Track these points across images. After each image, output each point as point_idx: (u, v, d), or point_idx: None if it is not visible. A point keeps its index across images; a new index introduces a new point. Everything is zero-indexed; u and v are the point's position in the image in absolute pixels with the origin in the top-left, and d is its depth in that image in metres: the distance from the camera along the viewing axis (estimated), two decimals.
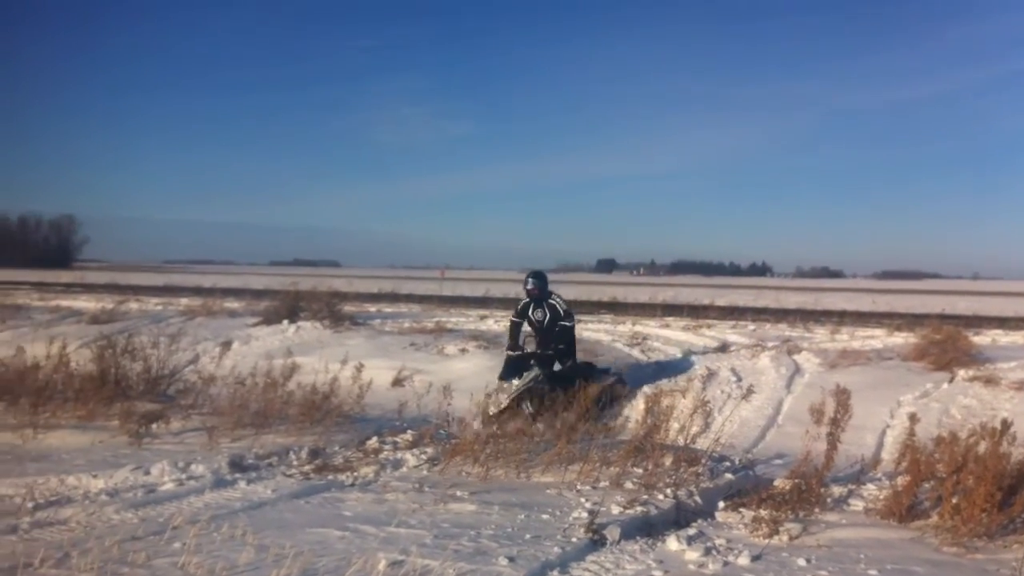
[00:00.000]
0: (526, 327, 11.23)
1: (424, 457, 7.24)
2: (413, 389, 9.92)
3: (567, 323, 11.10)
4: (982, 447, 5.59)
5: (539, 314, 11.17)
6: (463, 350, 14.10)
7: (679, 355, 13.92)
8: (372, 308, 20.26)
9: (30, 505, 5.64)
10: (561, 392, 9.13)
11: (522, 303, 11.35)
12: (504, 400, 10.06)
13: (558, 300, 11.27)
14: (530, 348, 11.14)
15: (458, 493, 6.18)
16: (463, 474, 6.80)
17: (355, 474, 6.80)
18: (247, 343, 14.97)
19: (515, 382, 10.39)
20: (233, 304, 19.59)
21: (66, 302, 21.52)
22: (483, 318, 18.16)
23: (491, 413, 9.33)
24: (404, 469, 7.02)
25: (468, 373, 12.35)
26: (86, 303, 20.05)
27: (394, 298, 25.33)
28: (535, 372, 10.47)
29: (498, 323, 17.29)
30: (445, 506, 5.88)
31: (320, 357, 12.03)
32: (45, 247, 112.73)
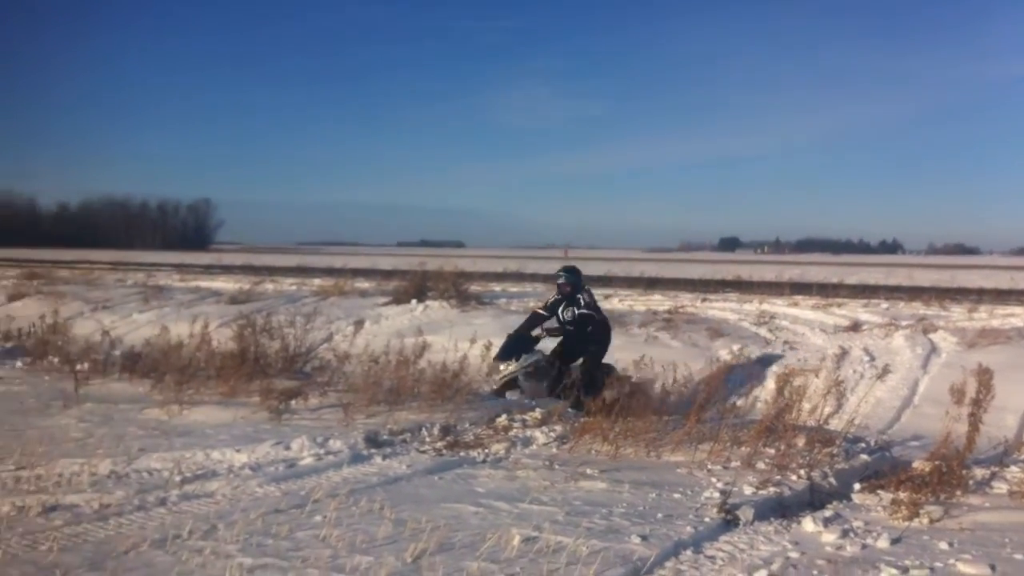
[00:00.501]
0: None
1: (553, 435, 7.31)
2: None
3: (587, 312, 10.25)
4: None
5: (569, 314, 10.40)
6: None
7: (809, 334, 13.66)
8: (497, 288, 20.46)
9: (178, 478, 5.88)
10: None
11: (552, 299, 10.72)
12: (496, 382, 9.75)
13: (584, 296, 10.42)
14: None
15: (588, 471, 6.22)
16: (592, 452, 6.84)
17: (486, 451, 6.90)
18: (377, 322, 15.30)
19: (510, 366, 9.82)
20: (363, 284, 20.04)
21: (205, 283, 22.39)
22: (607, 297, 18.14)
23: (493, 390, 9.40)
24: (534, 447, 7.10)
25: None
26: (224, 283, 20.82)
27: (519, 278, 25.50)
28: (536, 356, 9.94)
29: (622, 302, 17.30)
30: (576, 484, 5.93)
31: (448, 336, 12.24)
32: (183, 230, 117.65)
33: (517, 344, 10.04)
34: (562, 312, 10.42)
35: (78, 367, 9.37)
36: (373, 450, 6.82)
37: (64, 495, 5.42)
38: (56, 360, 10.39)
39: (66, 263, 26.82)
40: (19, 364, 10.61)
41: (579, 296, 10.37)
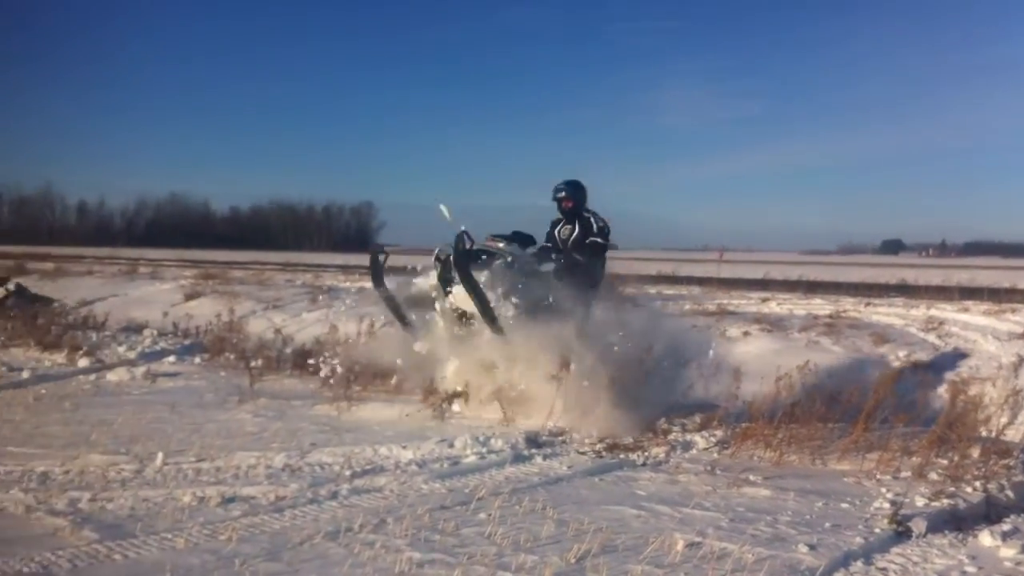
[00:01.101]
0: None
1: (714, 440, 7.24)
2: (698, 371, 9.87)
3: (599, 239, 8.75)
4: None
5: (566, 231, 8.88)
6: (746, 333, 13.92)
7: (981, 341, 13.08)
8: (651, 290, 20.31)
9: (348, 473, 6.09)
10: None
11: (552, 222, 9.08)
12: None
13: (594, 216, 8.83)
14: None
15: (751, 477, 6.14)
16: (754, 458, 6.75)
17: (646, 454, 6.90)
18: None
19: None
20: None
21: (368, 283, 22.99)
22: (764, 300, 17.82)
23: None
24: (694, 451, 7.06)
25: (752, 356, 12.18)
26: (388, 284, 21.40)
27: (673, 280, 25.26)
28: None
29: (780, 306, 16.94)
30: (739, 490, 5.86)
31: None
32: (347, 232, 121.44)
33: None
34: (559, 231, 8.95)
35: (252, 364, 9.83)
36: (534, 450, 6.91)
37: (242, 487, 5.70)
38: (232, 357, 10.93)
39: (239, 264, 28.07)
40: (197, 360, 11.20)
41: (587, 216, 8.82)
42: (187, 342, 12.75)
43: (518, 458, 6.66)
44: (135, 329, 14.27)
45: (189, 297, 20.10)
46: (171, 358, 11.16)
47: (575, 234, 8.76)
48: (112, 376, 9.80)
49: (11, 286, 16.48)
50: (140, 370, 10.02)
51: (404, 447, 6.75)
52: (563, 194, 8.75)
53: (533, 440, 7.17)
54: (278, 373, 9.82)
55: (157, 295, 21.17)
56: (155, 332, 13.55)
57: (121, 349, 11.69)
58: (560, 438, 7.35)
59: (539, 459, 6.68)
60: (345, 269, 32.63)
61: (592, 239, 8.73)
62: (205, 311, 16.30)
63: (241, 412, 7.96)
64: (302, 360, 10.07)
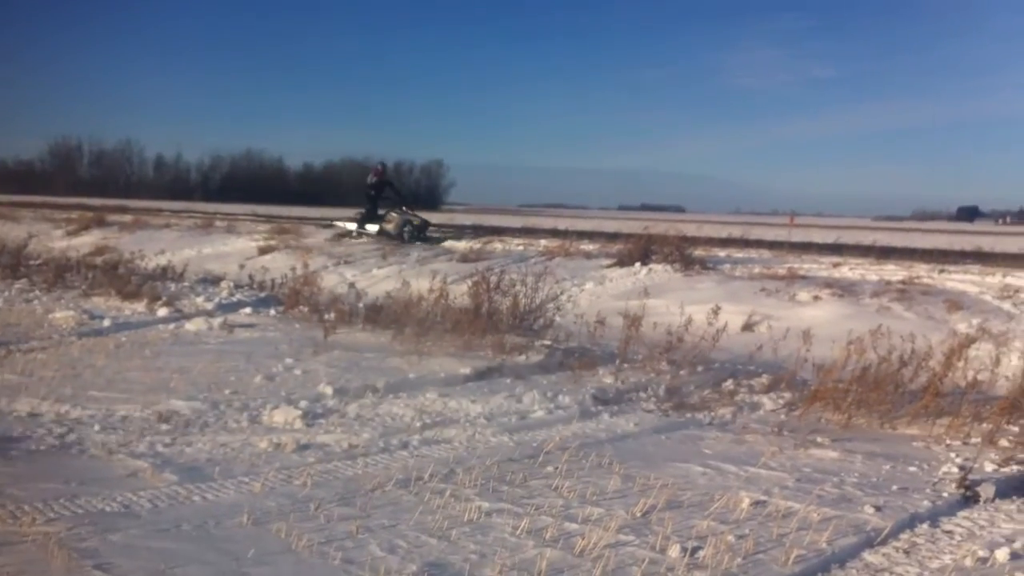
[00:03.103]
0: None
1: (782, 401, 7.26)
2: (767, 334, 9.87)
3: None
4: None
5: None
6: (816, 297, 13.73)
7: None
8: (721, 253, 20.11)
9: (418, 424, 6.24)
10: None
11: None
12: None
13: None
14: None
15: (818, 439, 6.16)
16: (822, 421, 6.75)
17: (712, 414, 6.95)
18: (602, 283, 15.45)
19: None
20: (587, 246, 20.18)
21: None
22: (836, 265, 17.51)
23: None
24: (761, 412, 7.08)
25: (822, 320, 12.04)
26: (455, 243, 21.53)
27: (743, 243, 24.93)
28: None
29: (852, 271, 16.67)
30: (805, 451, 5.89)
31: (671, 299, 12.25)
32: (417, 189, 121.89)
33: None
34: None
35: (326, 317, 10.03)
36: (600, 407, 7.00)
37: (316, 435, 5.88)
38: (306, 310, 11.12)
39: (312, 220, 28.37)
40: (272, 312, 11.42)
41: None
42: (262, 295, 13.00)
43: (585, 414, 6.75)
44: (212, 281, 14.59)
45: (263, 251, 20.44)
46: (247, 310, 11.39)
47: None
48: (190, 326, 10.05)
49: None
50: (217, 320, 10.25)
51: (473, 401, 6.88)
52: (381, 167, 17.06)
53: (601, 397, 7.25)
54: (350, 327, 9.98)
55: (233, 249, 21.58)
56: (231, 284, 13.83)
57: (199, 300, 11.96)
58: (627, 396, 7.42)
59: (606, 416, 6.77)
60: None
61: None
62: (279, 265, 16.59)
63: (315, 363, 8.14)
64: (374, 314, 10.24)
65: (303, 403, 6.57)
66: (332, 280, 14.88)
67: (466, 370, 7.97)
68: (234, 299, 12.30)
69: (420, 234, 22.24)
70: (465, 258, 18.02)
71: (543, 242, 21.32)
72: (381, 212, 22.83)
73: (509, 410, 6.74)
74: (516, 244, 21.27)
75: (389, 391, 7.19)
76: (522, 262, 16.18)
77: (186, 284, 13.75)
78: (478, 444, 5.86)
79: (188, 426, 6.01)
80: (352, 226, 23.30)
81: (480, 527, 4.34)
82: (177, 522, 4.26)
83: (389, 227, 22.14)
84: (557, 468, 5.28)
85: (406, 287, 10.56)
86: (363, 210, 23.65)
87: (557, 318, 10.28)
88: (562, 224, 35.02)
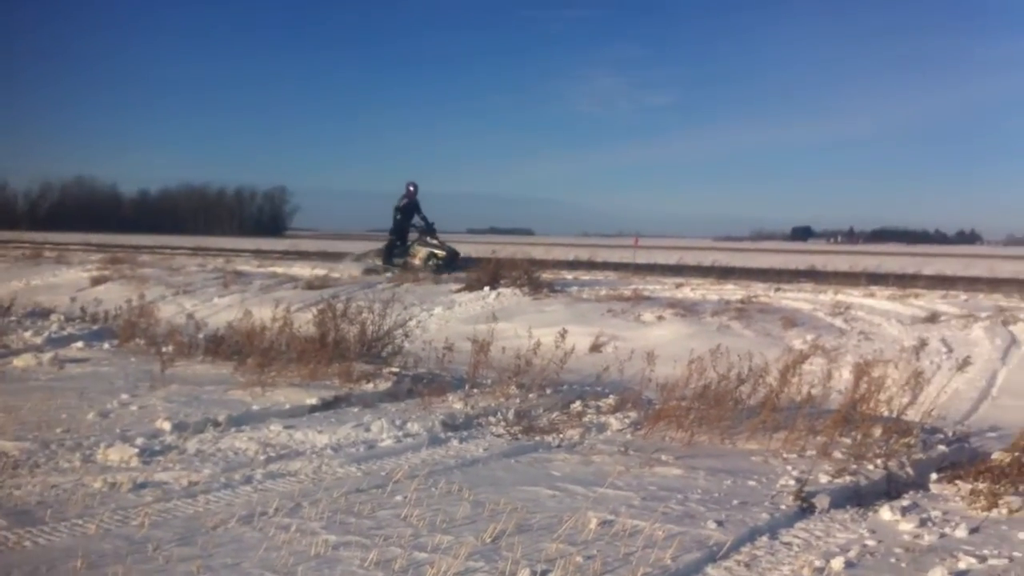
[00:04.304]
0: None
1: (627, 421, 7.38)
2: (613, 355, 10.03)
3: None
4: None
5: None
6: (660, 317, 14.10)
7: (885, 325, 13.48)
8: (569, 276, 20.45)
9: (262, 458, 6.05)
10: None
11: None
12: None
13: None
14: None
15: (663, 457, 6.28)
16: (667, 439, 6.89)
17: (561, 436, 7.00)
18: (451, 308, 15.45)
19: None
20: None
21: (282, 268, 22.76)
22: (679, 286, 18.05)
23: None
24: (608, 432, 7.18)
25: (666, 340, 12.36)
26: (300, 269, 21.18)
27: (590, 266, 25.43)
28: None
29: (694, 291, 17.20)
30: (651, 469, 5.99)
31: (521, 323, 12.32)
32: (259, 216, 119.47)
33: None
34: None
35: (163, 349, 9.67)
36: (450, 433, 6.96)
37: (153, 472, 5.63)
38: (142, 342, 10.71)
39: (148, 248, 27.46)
40: (106, 346, 10.94)
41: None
42: (96, 327, 12.43)
43: (435, 441, 6.70)
44: (41, 314, 13.89)
45: (96, 282, 19.63)
46: (79, 343, 10.88)
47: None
48: (18, 362, 9.55)
49: None
50: (47, 356, 9.76)
51: (320, 431, 6.73)
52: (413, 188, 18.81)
53: (450, 424, 7.21)
54: (189, 359, 9.66)
55: (64, 280, 20.64)
56: (62, 317, 13.22)
57: (27, 335, 11.37)
58: (477, 421, 7.40)
59: (456, 442, 6.73)
60: (258, 254, 32.15)
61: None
62: (113, 296, 15.96)
63: (152, 398, 7.83)
64: (214, 346, 9.93)
65: (139, 440, 6.29)
66: (170, 310, 14.44)
67: (312, 400, 7.80)
68: (65, 332, 11.72)
69: (450, 266, 20.01)
70: (310, 285, 17.75)
71: None
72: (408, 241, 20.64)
73: (357, 440, 6.62)
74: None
75: (231, 424, 6.95)
76: (369, 288, 16.05)
77: (13, 318, 13.03)
78: (325, 476, 5.73)
79: (16, 467, 5.66)
80: (377, 260, 21.19)
81: (327, 561, 4.22)
82: (7, 570, 4.00)
83: (415, 261, 20.22)
84: (406, 497, 5.20)
85: (248, 316, 10.28)
86: (389, 239, 21.19)
87: (406, 344, 10.20)
88: None
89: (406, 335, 10.27)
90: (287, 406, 7.63)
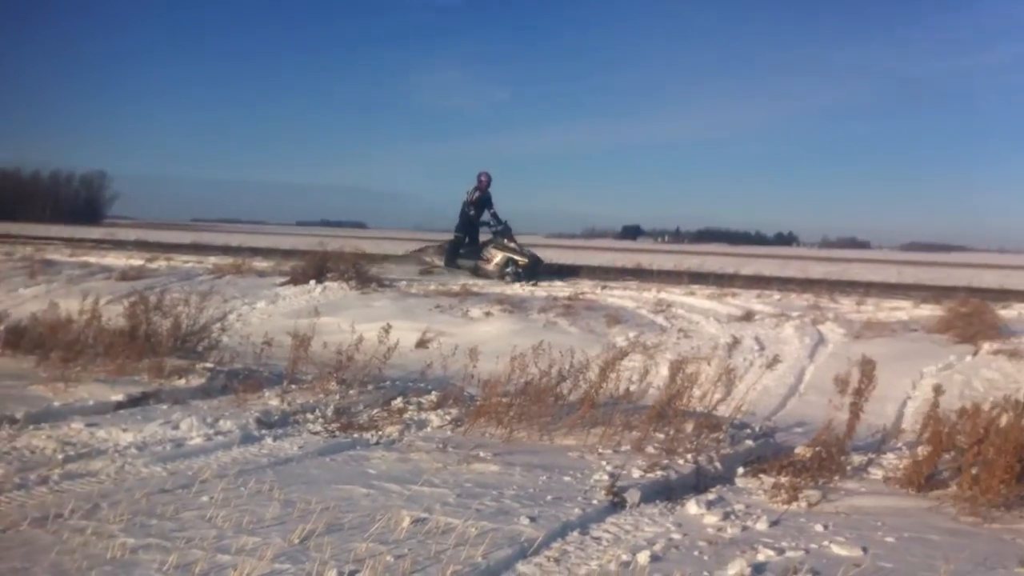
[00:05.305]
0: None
1: (448, 418, 7.34)
2: (438, 351, 9.99)
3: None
4: (1004, 419, 5.60)
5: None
6: (488, 313, 14.18)
7: (703, 323, 13.95)
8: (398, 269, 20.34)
9: (60, 457, 5.73)
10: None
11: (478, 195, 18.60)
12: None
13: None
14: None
15: (481, 454, 6.27)
16: (487, 435, 6.88)
17: (380, 433, 6.90)
18: (274, 302, 15.11)
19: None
20: (261, 263, 19.73)
21: (95, 258, 21.71)
22: (508, 283, 18.18)
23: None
24: (428, 429, 7.12)
25: (492, 336, 12.43)
26: (115, 259, 20.26)
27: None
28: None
29: (522, 287, 17.36)
30: (468, 466, 5.96)
31: (346, 318, 12.15)
32: (75, 202, 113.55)
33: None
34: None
35: None
36: (264, 431, 6.75)
37: None
38: None
39: None
40: None
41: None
42: None
43: (247, 439, 6.49)
44: None
45: None
46: None
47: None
48: None
49: None
50: None
51: (124, 429, 6.42)
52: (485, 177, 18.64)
53: (265, 421, 7.00)
54: None
55: None
56: None
57: None
58: (294, 418, 7.22)
59: (270, 440, 6.53)
60: (71, 242, 30.54)
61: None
62: None
63: None
64: (15, 338, 9.35)
65: None
66: None
67: (118, 396, 7.44)
68: None
69: (531, 274, 18.04)
70: (125, 276, 17.01)
71: (213, 259, 20.63)
72: (480, 241, 18.56)
73: (164, 438, 6.34)
74: (184, 261, 20.41)
75: (29, 422, 6.55)
76: (189, 280, 15.50)
77: None
78: (127, 476, 5.45)
79: None
80: (438, 260, 18.90)
81: (124, 565, 4.01)
82: None
83: (488, 267, 18.15)
84: (213, 497, 5.00)
85: (54, 308, 9.73)
86: (454, 236, 18.99)
87: (225, 339, 9.89)
88: (235, 240, 33.99)
89: (223, 329, 9.95)
90: (91, 403, 7.25)
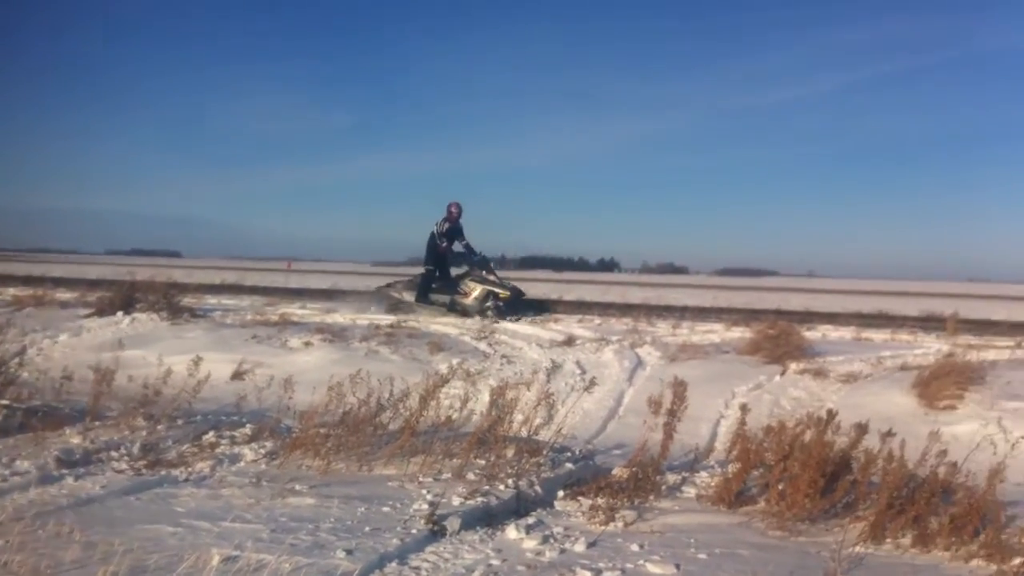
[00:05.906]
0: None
1: (263, 451, 7.09)
2: (254, 383, 9.69)
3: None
4: (808, 436, 5.86)
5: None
6: (307, 343, 13.88)
7: (526, 348, 14.09)
8: (213, 300, 19.72)
9: None
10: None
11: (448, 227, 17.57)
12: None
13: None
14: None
15: (297, 487, 6.09)
16: (303, 468, 6.69)
17: (190, 469, 6.60)
18: (78, 335, 14.33)
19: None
20: (65, 295, 18.74)
21: None
22: (330, 311, 17.90)
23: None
24: (242, 464, 6.86)
25: (312, 366, 12.17)
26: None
27: (237, 290, 24.65)
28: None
29: (344, 316, 17.11)
30: (283, 500, 5.78)
31: (156, 350, 11.65)
32: None
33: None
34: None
35: None
36: (65, 471, 6.35)
37: None
38: None
39: None
40: None
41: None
42: None
43: (46, 479, 6.09)
44: None
45: None
46: None
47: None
48: None
49: None
50: None
51: None
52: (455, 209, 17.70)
53: (66, 460, 6.59)
54: None
55: None
56: None
57: None
58: (97, 456, 6.83)
59: (71, 479, 6.15)
60: None
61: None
62: None
63: None
64: None
65: None
66: None
67: None
68: None
69: (513, 309, 17.18)
70: None
71: (11, 290, 19.44)
72: (454, 275, 17.43)
73: None
74: None
75: None
76: None
77: None
78: None
79: None
80: (408, 296, 17.69)
81: None
82: None
83: (467, 301, 17.09)
84: (8, 541, 4.66)
85: None
86: (425, 270, 17.78)
87: (24, 374, 9.28)
88: (37, 270, 32.24)
89: (21, 364, 9.34)
90: None
